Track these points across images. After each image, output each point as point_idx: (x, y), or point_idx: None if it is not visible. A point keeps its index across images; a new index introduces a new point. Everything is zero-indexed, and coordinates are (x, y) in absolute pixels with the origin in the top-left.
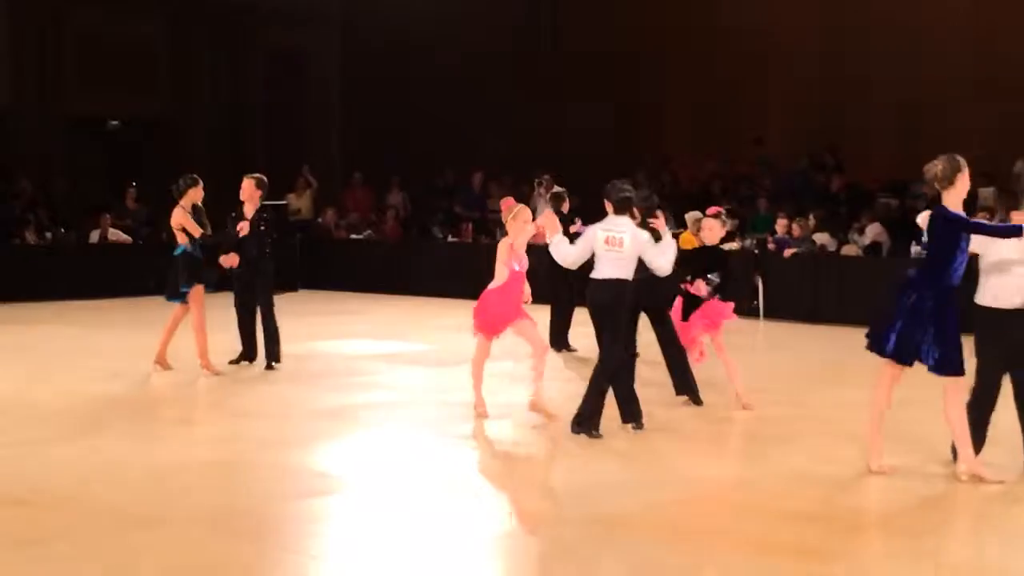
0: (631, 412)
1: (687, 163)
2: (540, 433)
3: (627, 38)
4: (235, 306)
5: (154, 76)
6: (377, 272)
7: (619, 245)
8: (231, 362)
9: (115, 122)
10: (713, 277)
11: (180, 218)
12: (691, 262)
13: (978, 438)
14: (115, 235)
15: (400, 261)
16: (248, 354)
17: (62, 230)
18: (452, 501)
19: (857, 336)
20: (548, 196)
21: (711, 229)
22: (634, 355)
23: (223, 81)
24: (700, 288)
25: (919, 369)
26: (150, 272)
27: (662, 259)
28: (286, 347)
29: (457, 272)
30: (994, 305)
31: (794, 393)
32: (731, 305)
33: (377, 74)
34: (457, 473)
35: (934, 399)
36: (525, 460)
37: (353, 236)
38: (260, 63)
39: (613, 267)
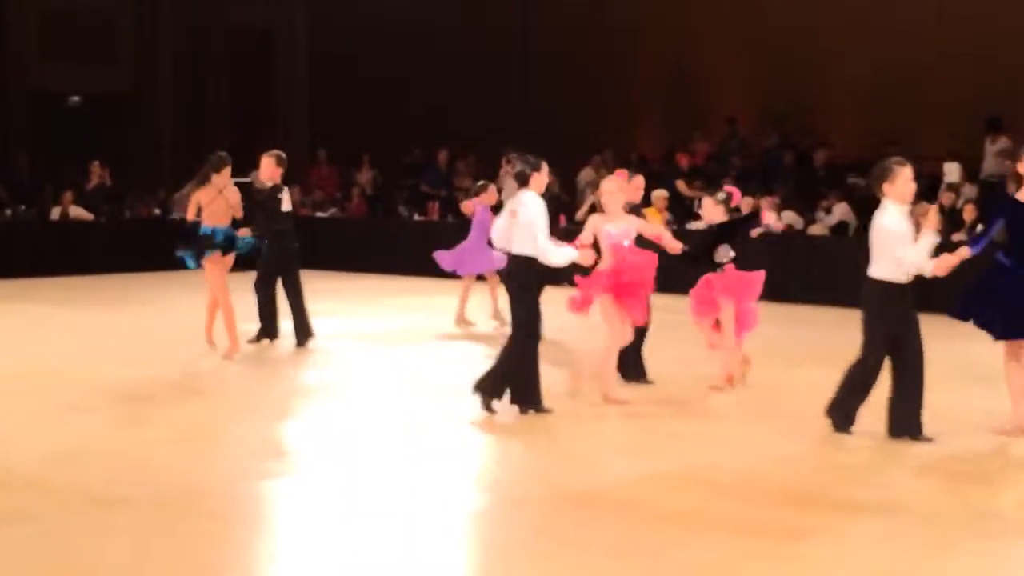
0: (530, 397)
1: (656, 142)
2: (509, 411)
3: (599, 15)
4: (256, 287)
5: (117, 52)
6: (342, 250)
7: (515, 217)
8: (249, 341)
9: (76, 98)
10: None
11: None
12: (702, 240)
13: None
14: (76, 212)
15: (366, 239)
16: (269, 332)
17: (22, 207)
18: (420, 480)
19: (824, 315)
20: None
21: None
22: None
23: (187, 57)
24: (722, 255)
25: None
26: (113, 249)
27: (541, 242)
28: (250, 325)
29: (423, 251)
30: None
31: (764, 372)
32: (758, 277)
33: (345, 51)
34: (425, 452)
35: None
36: (494, 438)
37: (319, 214)
38: (225, 39)
39: (518, 240)
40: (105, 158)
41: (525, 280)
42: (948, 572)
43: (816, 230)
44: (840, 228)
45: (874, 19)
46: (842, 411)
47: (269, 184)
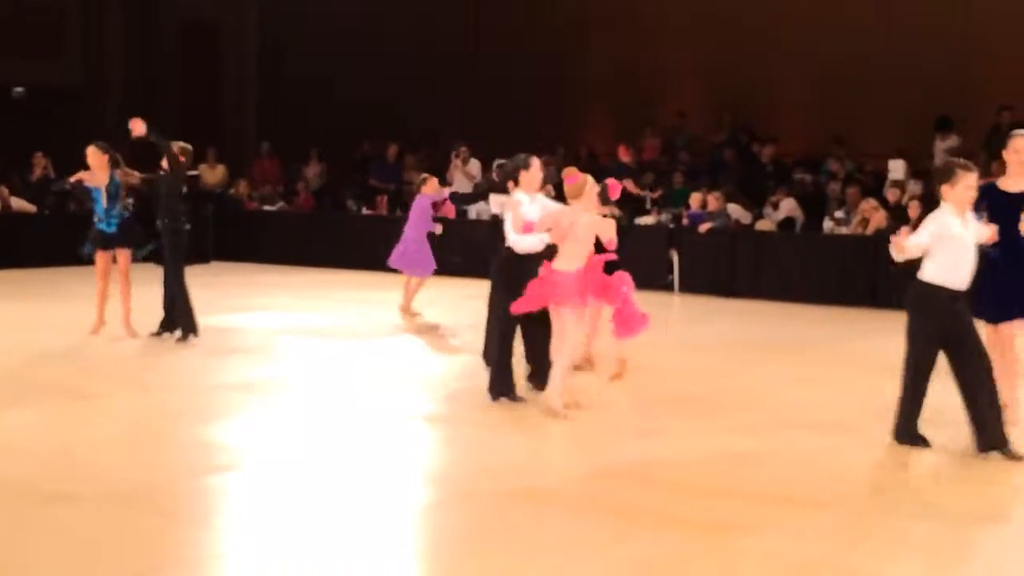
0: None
1: (606, 139)
2: (456, 406)
3: (548, 12)
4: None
5: (65, 45)
6: (290, 244)
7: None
8: (153, 334)
9: (20, 89)
10: None
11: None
12: None
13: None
14: (19, 204)
15: (313, 233)
16: (167, 324)
17: None
18: (367, 475)
19: (771, 309)
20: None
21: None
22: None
23: (135, 50)
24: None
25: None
26: (55, 242)
27: (510, 233)
28: (198, 319)
29: (371, 245)
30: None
31: (710, 367)
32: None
33: (293, 46)
34: (373, 446)
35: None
36: (438, 434)
37: (266, 207)
38: (174, 33)
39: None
40: (51, 151)
41: (514, 274)
42: (892, 565)
43: (763, 225)
44: (787, 223)
45: (823, 16)
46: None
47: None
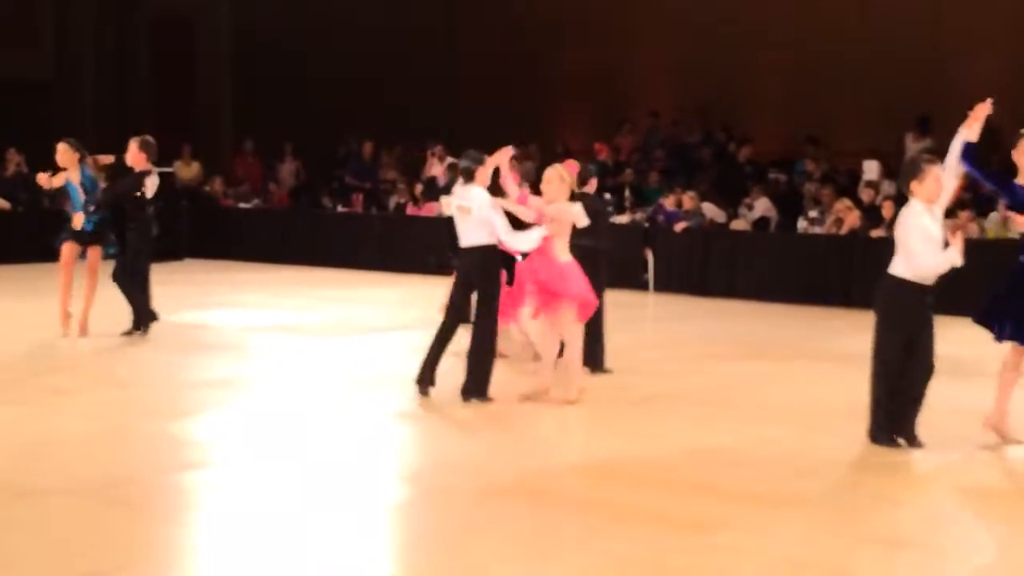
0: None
1: (583, 137)
2: (430, 404)
3: (523, 10)
4: (114, 274)
5: (37, 38)
6: (265, 241)
7: (468, 212)
8: (124, 333)
9: None
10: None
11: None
12: None
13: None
14: None
15: (288, 230)
16: (140, 323)
17: None
18: (341, 472)
19: (745, 308)
20: (445, 165)
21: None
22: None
23: (109, 45)
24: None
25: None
26: (29, 239)
27: (505, 236)
28: (172, 316)
29: (347, 242)
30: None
31: (684, 366)
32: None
33: (268, 42)
34: (348, 443)
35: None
36: (414, 431)
37: (241, 204)
38: (148, 26)
39: (472, 233)
40: (24, 147)
41: (488, 269)
42: (862, 561)
43: (738, 225)
44: (762, 223)
45: (798, 17)
46: (875, 423)
47: (137, 170)
